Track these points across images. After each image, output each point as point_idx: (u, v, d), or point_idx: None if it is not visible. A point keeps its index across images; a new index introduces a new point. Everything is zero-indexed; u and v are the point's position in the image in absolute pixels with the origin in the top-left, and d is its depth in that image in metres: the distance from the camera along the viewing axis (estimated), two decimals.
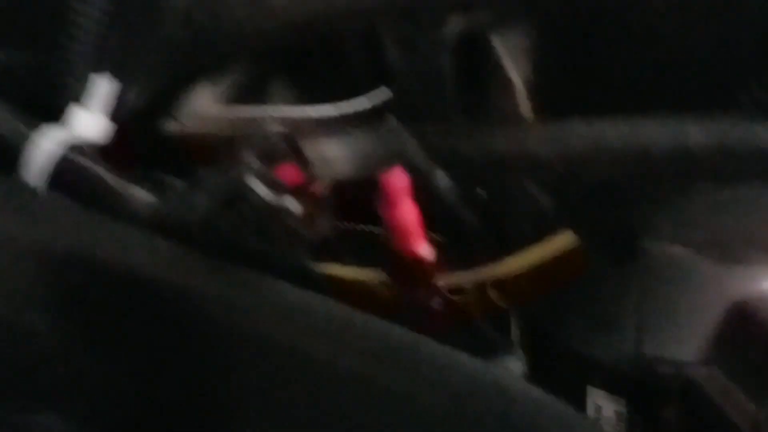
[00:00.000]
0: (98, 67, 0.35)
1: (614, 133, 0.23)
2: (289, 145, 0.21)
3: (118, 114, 0.36)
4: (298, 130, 0.24)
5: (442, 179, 0.26)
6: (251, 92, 0.50)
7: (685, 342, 0.33)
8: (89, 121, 0.35)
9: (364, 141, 0.22)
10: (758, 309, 0.30)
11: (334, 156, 0.22)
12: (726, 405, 0.31)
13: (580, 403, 0.40)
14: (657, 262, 0.30)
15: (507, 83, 0.33)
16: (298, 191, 0.21)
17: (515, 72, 0.33)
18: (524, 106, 0.32)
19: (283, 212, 0.21)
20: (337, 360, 0.22)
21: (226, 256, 0.24)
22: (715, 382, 0.33)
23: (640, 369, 0.35)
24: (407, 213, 0.26)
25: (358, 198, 0.28)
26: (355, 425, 0.22)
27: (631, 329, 0.34)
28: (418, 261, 0.29)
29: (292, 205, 0.21)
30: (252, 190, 0.20)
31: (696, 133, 0.22)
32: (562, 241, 0.28)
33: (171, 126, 0.37)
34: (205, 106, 0.50)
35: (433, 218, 0.28)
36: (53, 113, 0.35)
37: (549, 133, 0.24)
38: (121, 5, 0.37)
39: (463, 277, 0.30)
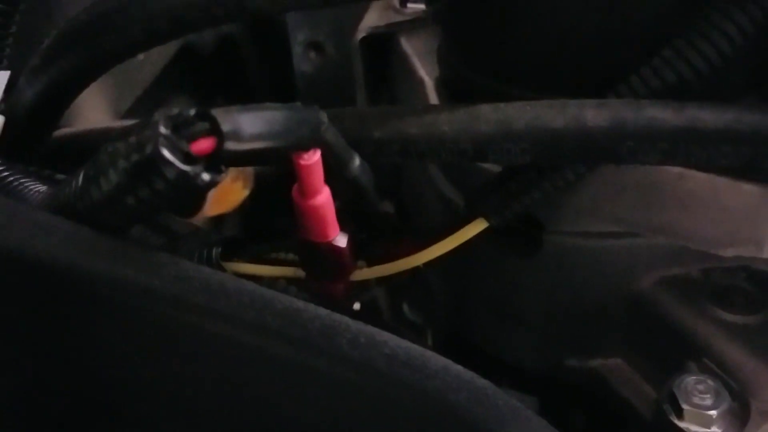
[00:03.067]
0: None
1: (518, 114, 0.24)
2: (202, 118, 0.20)
3: (13, 109, 0.34)
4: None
5: (357, 163, 0.25)
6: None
7: (591, 334, 0.34)
8: None
9: (281, 114, 0.22)
10: (657, 300, 0.32)
11: (249, 128, 0.21)
12: (629, 394, 0.32)
13: None
14: (561, 253, 0.31)
15: (418, 81, 0.34)
16: (210, 162, 0.20)
17: (424, 70, 0.34)
18: (434, 101, 0.32)
19: (196, 182, 0.20)
20: (242, 338, 0.21)
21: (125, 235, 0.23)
22: (619, 372, 0.34)
23: (547, 364, 0.36)
24: (323, 200, 0.26)
25: (272, 189, 0.28)
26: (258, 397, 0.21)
27: (540, 323, 0.34)
28: (334, 251, 0.28)
29: (205, 176, 0.20)
30: (166, 160, 0.19)
31: (594, 114, 0.23)
32: (472, 229, 0.28)
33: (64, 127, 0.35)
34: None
35: (347, 207, 0.28)
36: None
37: (457, 115, 0.25)
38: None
39: (377, 271, 0.30)
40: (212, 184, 0.20)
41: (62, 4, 0.43)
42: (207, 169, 0.21)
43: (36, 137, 0.34)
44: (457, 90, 0.31)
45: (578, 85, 0.26)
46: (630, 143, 0.23)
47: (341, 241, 0.28)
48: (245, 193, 0.29)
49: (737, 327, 0.29)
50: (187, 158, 0.20)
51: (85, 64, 0.29)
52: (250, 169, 0.28)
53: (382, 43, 0.36)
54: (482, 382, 0.22)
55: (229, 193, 0.28)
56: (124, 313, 0.22)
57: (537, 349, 0.36)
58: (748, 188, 0.26)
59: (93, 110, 0.52)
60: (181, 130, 0.20)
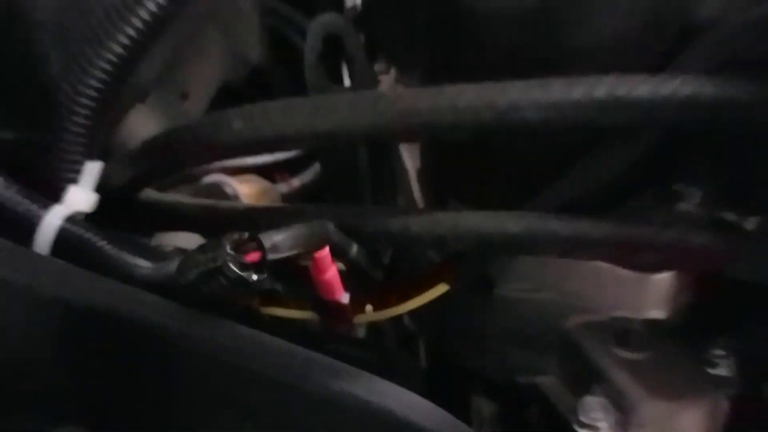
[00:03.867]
0: (89, 155, 0.45)
1: (457, 223, 0.35)
2: (252, 239, 0.32)
3: (104, 189, 0.45)
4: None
5: (354, 250, 0.37)
6: None
7: (533, 357, 0.45)
8: (82, 196, 0.45)
9: (300, 230, 0.33)
10: (576, 338, 0.43)
11: (282, 243, 0.32)
12: (558, 402, 0.44)
13: (466, 407, 0.53)
14: (508, 301, 0.43)
15: (404, 170, 0.45)
16: (257, 266, 0.32)
17: (410, 162, 0.45)
18: (416, 191, 0.44)
19: (248, 282, 0.32)
20: (264, 370, 0.33)
21: (202, 308, 0.35)
22: (555, 387, 0.45)
23: (505, 378, 0.48)
24: (331, 275, 0.38)
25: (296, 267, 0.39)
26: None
27: (497, 348, 0.46)
28: (340, 305, 0.40)
29: (254, 276, 0.32)
30: (229, 268, 0.31)
31: (513, 224, 0.35)
32: (440, 288, 0.40)
33: (147, 196, 0.47)
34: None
35: (350, 275, 0.40)
36: (53, 189, 0.45)
37: (427, 221, 0.36)
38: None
39: (373, 316, 0.42)
40: (260, 283, 0.32)
41: None
42: (255, 272, 0.32)
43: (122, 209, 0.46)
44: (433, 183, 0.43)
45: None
46: (537, 247, 0.35)
47: (345, 298, 0.40)
48: None
49: (630, 361, 0.40)
50: (243, 266, 0.32)
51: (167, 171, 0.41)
52: None
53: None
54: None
55: None
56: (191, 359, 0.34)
57: (497, 367, 0.48)
58: (625, 273, 0.38)
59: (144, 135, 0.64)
60: (239, 247, 0.32)
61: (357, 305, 0.41)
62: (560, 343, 0.43)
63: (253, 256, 0.32)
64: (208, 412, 0.35)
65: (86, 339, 0.36)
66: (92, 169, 0.45)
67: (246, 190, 0.68)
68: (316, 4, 0.60)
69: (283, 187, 0.72)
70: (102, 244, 0.41)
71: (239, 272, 0.32)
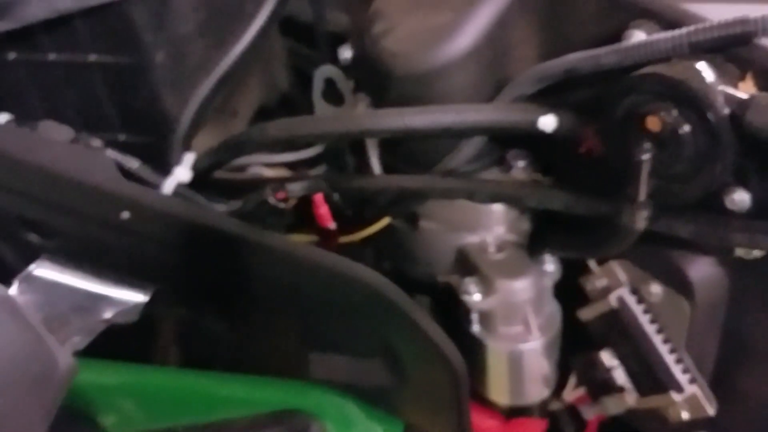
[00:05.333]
0: (187, 149, 0.77)
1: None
2: (279, 188, 0.63)
3: (195, 168, 0.77)
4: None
5: (336, 196, 0.69)
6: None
7: (445, 264, 0.76)
8: (184, 173, 0.77)
9: (305, 183, 0.65)
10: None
11: (295, 189, 0.64)
12: (457, 288, 0.75)
13: None
14: (424, 231, 0.74)
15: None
16: (283, 201, 0.64)
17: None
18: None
19: (278, 209, 0.63)
20: (301, 257, 0.64)
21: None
22: (455, 281, 0.76)
23: (430, 280, 0.78)
24: (324, 210, 0.69)
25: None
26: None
27: (423, 260, 0.76)
28: (330, 231, 0.72)
29: (281, 206, 0.63)
30: (268, 201, 0.63)
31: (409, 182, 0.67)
32: (385, 221, 0.71)
33: (218, 175, 0.79)
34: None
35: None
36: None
37: (379, 180, 0.67)
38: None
39: (348, 238, 0.74)
40: (285, 211, 0.64)
41: None
42: (283, 204, 0.64)
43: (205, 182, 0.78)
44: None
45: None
46: (430, 193, 0.66)
47: (332, 226, 0.72)
48: None
49: (494, 260, 0.71)
50: (276, 201, 0.64)
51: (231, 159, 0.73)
52: None
53: None
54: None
55: None
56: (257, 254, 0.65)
57: (423, 272, 0.77)
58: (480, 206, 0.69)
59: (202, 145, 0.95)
60: (273, 192, 0.64)
61: (339, 232, 0.72)
62: (458, 256, 0.74)
63: (281, 195, 0.65)
64: (270, 292, 0.66)
65: (194, 243, 0.68)
66: (189, 158, 0.77)
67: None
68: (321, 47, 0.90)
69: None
70: (197, 197, 0.73)
71: (275, 204, 0.64)
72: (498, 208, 0.69)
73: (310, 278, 0.63)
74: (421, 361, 0.68)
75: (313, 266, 0.61)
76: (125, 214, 0.63)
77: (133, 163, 0.70)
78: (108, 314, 0.50)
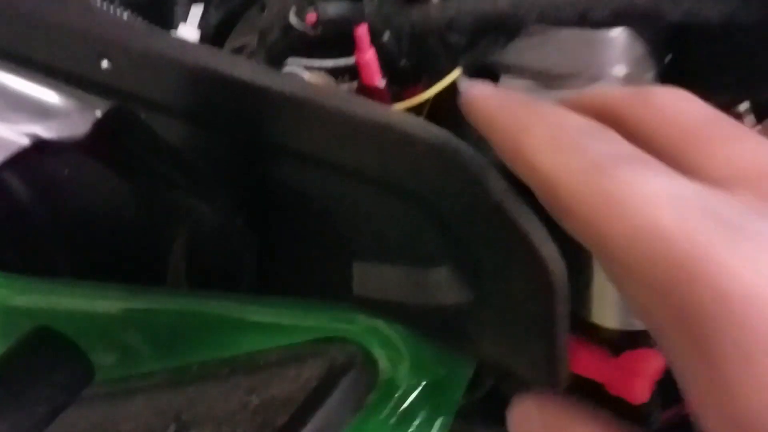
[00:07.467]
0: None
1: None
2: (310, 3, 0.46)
3: (203, 26, 0.61)
4: None
5: (387, 35, 0.50)
6: None
7: None
8: (191, 32, 0.60)
9: (344, 5, 0.47)
10: None
11: (329, 8, 0.46)
12: None
13: None
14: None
15: None
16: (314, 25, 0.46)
17: None
18: None
19: (307, 35, 0.45)
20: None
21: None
22: None
23: None
24: (370, 57, 0.51)
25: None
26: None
27: None
28: (379, 90, 0.53)
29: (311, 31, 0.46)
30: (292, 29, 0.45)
31: None
32: (455, 73, 0.52)
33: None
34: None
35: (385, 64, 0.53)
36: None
37: (440, 7, 0.49)
38: None
39: (406, 103, 0.55)
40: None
41: None
42: (312, 29, 0.46)
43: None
44: None
45: None
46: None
47: (381, 84, 0.53)
48: None
49: None
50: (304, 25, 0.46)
51: None
52: None
53: None
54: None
55: None
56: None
57: None
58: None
59: None
60: (301, 12, 0.46)
61: (389, 93, 0.54)
62: None
63: (311, 18, 0.46)
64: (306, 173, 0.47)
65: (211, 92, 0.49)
66: (196, 12, 0.61)
67: (314, 81, 0.83)
68: None
69: (343, 87, 0.86)
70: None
71: (302, 30, 0.46)
72: (618, 41, 0.50)
73: (365, 144, 0.43)
74: (504, 268, 0.47)
75: (367, 125, 0.42)
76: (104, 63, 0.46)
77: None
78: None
